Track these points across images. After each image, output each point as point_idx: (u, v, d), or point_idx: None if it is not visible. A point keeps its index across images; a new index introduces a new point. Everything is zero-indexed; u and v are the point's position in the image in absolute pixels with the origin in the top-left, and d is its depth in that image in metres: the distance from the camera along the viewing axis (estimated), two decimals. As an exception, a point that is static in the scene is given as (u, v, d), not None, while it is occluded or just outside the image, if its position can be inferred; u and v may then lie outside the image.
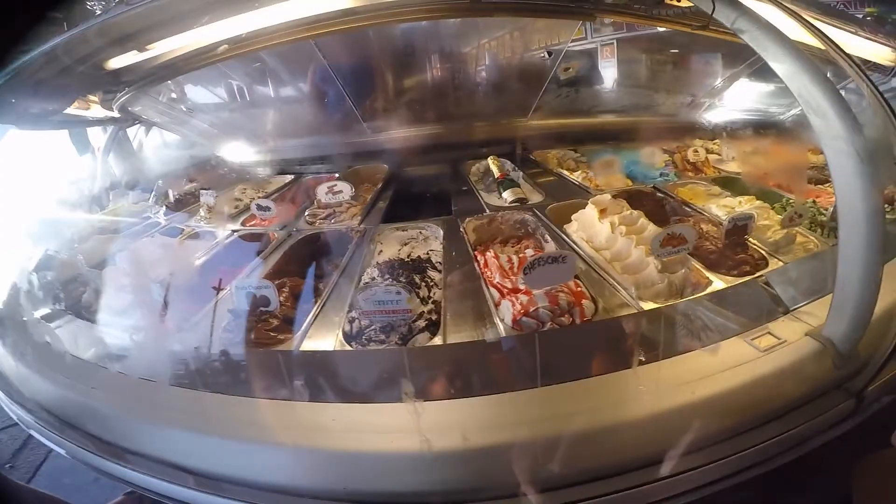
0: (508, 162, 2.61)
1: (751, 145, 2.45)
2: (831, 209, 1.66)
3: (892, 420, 1.13)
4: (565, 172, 2.57)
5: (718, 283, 1.46)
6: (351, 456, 1.05)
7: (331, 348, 1.34)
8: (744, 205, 1.91)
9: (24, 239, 2.02)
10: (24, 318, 1.69)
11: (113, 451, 1.23)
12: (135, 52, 1.79)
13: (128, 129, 2.95)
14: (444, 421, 1.05)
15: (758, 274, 1.49)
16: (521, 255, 1.68)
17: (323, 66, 2.44)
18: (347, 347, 1.33)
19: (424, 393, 1.10)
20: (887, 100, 1.07)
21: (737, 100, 2.90)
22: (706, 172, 2.44)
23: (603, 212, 1.74)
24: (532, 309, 1.32)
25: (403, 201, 2.55)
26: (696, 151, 2.49)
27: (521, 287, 1.40)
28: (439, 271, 1.69)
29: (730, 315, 1.30)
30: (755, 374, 1.11)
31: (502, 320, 1.35)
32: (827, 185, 1.96)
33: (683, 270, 1.45)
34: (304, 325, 1.43)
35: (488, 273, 1.58)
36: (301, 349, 1.35)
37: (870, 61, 2.10)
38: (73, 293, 1.78)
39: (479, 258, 1.69)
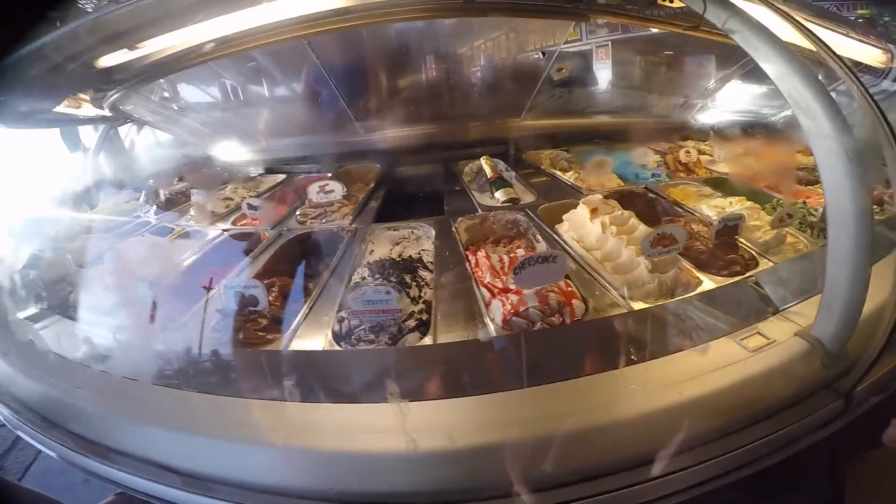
0: (501, 162, 2.62)
1: (740, 146, 2.46)
2: (821, 210, 1.66)
3: (882, 420, 1.14)
4: (558, 173, 2.58)
5: (709, 283, 1.46)
6: (339, 456, 1.04)
7: (320, 348, 1.33)
8: (734, 205, 1.91)
9: (12, 238, 2.00)
10: (13, 318, 1.68)
11: (101, 452, 1.21)
12: (125, 50, 1.78)
13: (119, 128, 2.94)
14: (433, 421, 1.05)
15: (748, 274, 1.49)
16: (511, 255, 1.68)
17: (315, 66, 2.43)
18: (337, 347, 1.33)
19: (412, 393, 1.09)
20: (877, 101, 1.07)
21: (729, 101, 2.92)
22: (698, 173, 2.45)
23: (594, 212, 1.74)
24: (522, 309, 1.31)
25: (395, 201, 2.55)
26: (688, 152, 2.49)
27: (512, 287, 1.40)
28: (430, 271, 1.68)
29: (719, 315, 1.30)
30: (744, 374, 1.11)
31: (493, 320, 1.35)
32: (817, 185, 1.96)
33: (674, 270, 1.45)
34: (294, 324, 1.42)
35: (479, 273, 1.58)
36: (290, 349, 1.34)
37: (861, 63, 2.11)
38: (61, 293, 1.77)
39: (470, 258, 1.69)
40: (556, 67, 2.69)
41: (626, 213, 1.73)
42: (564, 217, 1.86)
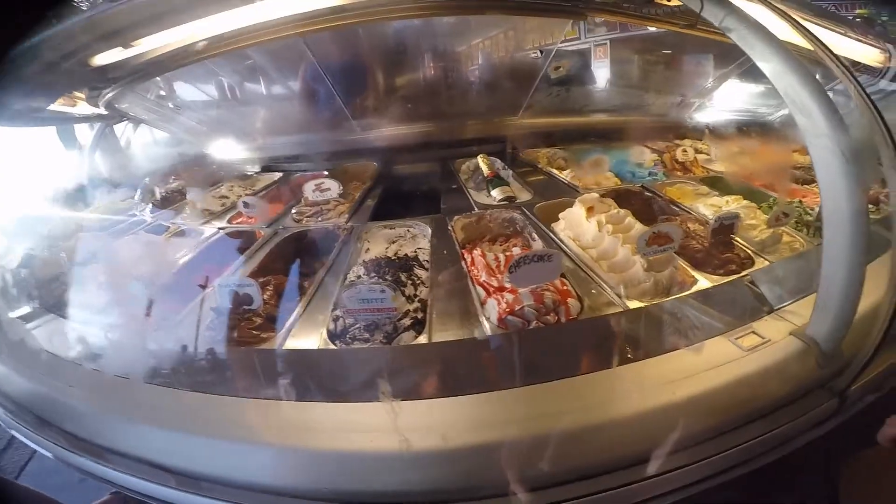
0: (498, 160, 2.61)
1: (736, 145, 2.47)
2: (817, 209, 1.67)
3: (877, 418, 1.14)
4: (555, 171, 2.57)
5: (704, 281, 1.46)
6: (333, 455, 1.03)
7: (315, 347, 1.32)
8: (731, 204, 1.91)
9: (5, 237, 1.99)
10: (5, 317, 1.67)
11: (95, 451, 1.21)
12: (120, 48, 1.77)
13: (115, 126, 2.92)
14: (427, 420, 1.04)
15: (743, 273, 1.49)
16: (507, 254, 1.67)
17: (312, 64, 2.43)
18: (331, 346, 1.32)
19: (406, 392, 1.09)
20: (874, 101, 1.07)
21: (726, 100, 2.91)
22: (695, 172, 2.45)
23: (590, 210, 1.74)
24: (517, 307, 1.31)
25: (392, 199, 2.54)
26: (685, 151, 2.49)
27: (507, 285, 1.40)
28: (426, 269, 1.68)
29: (715, 314, 1.30)
30: (739, 373, 1.11)
31: (488, 319, 1.35)
32: (814, 185, 1.96)
33: (669, 269, 1.45)
34: (289, 323, 1.42)
35: (475, 271, 1.58)
36: (284, 348, 1.34)
37: (860, 63, 2.11)
38: (55, 291, 1.76)
39: (466, 256, 1.69)
40: (554, 66, 2.69)
41: (623, 211, 1.72)
42: (560, 216, 1.86)
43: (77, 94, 2.28)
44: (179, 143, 3.05)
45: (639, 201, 2.15)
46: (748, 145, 2.41)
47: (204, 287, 1.58)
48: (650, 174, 2.40)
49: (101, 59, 1.81)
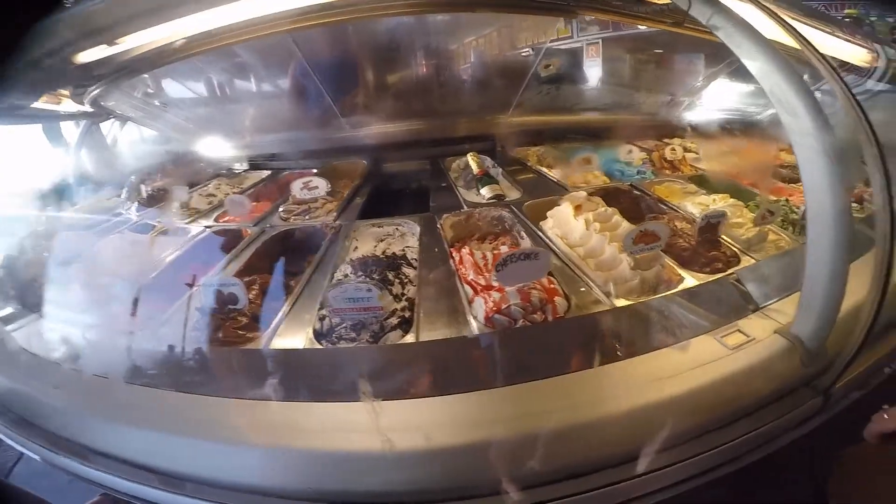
0: (489, 159, 2.62)
1: (724, 144, 2.47)
2: (803, 208, 1.67)
3: (863, 415, 1.14)
4: (544, 169, 2.57)
5: (691, 280, 1.46)
6: (319, 455, 1.02)
7: (300, 347, 1.31)
8: (718, 202, 1.92)
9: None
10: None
11: (81, 452, 1.20)
12: (104, 45, 1.75)
13: (102, 124, 2.89)
14: (412, 420, 1.04)
15: (729, 271, 1.49)
16: (495, 252, 1.67)
17: (300, 62, 2.42)
18: (317, 346, 1.31)
19: (391, 391, 1.08)
20: (859, 101, 1.07)
21: (715, 99, 2.92)
22: (683, 171, 2.45)
23: (578, 208, 1.74)
24: (504, 306, 1.31)
25: (381, 197, 2.54)
26: (674, 150, 2.50)
27: (495, 284, 1.39)
28: (414, 268, 1.67)
29: (701, 312, 1.30)
30: (724, 372, 1.11)
31: (475, 317, 1.34)
32: (800, 184, 1.97)
33: (656, 267, 1.45)
34: (275, 322, 1.41)
35: (463, 270, 1.57)
36: (270, 348, 1.32)
37: (848, 63, 2.12)
38: (39, 291, 1.74)
39: (454, 255, 1.68)
40: (544, 64, 2.69)
41: (610, 210, 1.73)
42: (549, 214, 1.86)
43: (62, 91, 2.26)
44: (167, 141, 3.02)
45: (627, 200, 2.15)
46: (732, 144, 2.42)
47: (191, 286, 1.56)
48: (639, 173, 2.41)
49: (85, 56, 1.79)
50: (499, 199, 2.17)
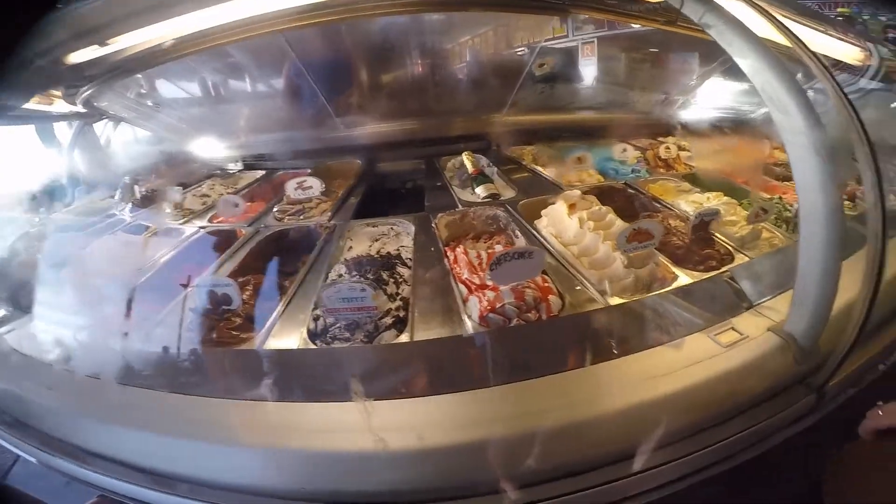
0: (484, 158, 2.61)
1: (717, 143, 2.47)
2: (797, 206, 1.68)
3: (859, 412, 1.14)
4: (539, 168, 2.57)
5: (685, 278, 1.46)
6: (313, 456, 1.03)
7: (295, 347, 1.31)
8: (712, 201, 1.92)
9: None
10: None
11: (75, 454, 1.20)
12: (96, 45, 1.74)
13: (95, 125, 2.88)
14: (407, 419, 1.04)
15: (723, 269, 1.49)
16: (489, 251, 1.67)
17: (293, 61, 2.40)
18: (311, 346, 1.31)
19: (385, 391, 1.08)
20: (849, 97, 1.07)
21: (709, 98, 2.92)
22: (677, 169, 2.45)
23: (572, 207, 1.74)
24: (498, 305, 1.31)
25: (376, 197, 2.53)
26: (668, 148, 2.50)
27: (489, 283, 1.39)
28: (409, 268, 1.67)
29: (694, 310, 1.31)
30: (718, 370, 1.12)
31: (470, 317, 1.34)
32: (793, 182, 1.98)
33: (650, 265, 1.45)
34: (269, 323, 1.40)
35: (457, 269, 1.57)
36: (264, 348, 1.32)
37: (841, 61, 2.12)
38: (32, 293, 1.73)
39: (449, 254, 1.68)
40: (538, 63, 2.69)
41: (604, 208, 1.73)
42: (543, 213, 1.86)
43: (54, 91, 2.24)
44: (160, 142, 3.00)
45: (622, 198, 2.15)
46: (726, 142, 2.42)
47: (186, 286, 1.56)
48: (633, 171, 2.41)
49: (77, 56, 1.78)
50: (494, 198, 2.17)
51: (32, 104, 2.20)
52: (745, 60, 1.09)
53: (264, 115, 2.85)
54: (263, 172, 2.94)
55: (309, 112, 2.70)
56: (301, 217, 2.19)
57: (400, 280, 1.59)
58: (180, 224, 2.20)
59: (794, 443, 1.18)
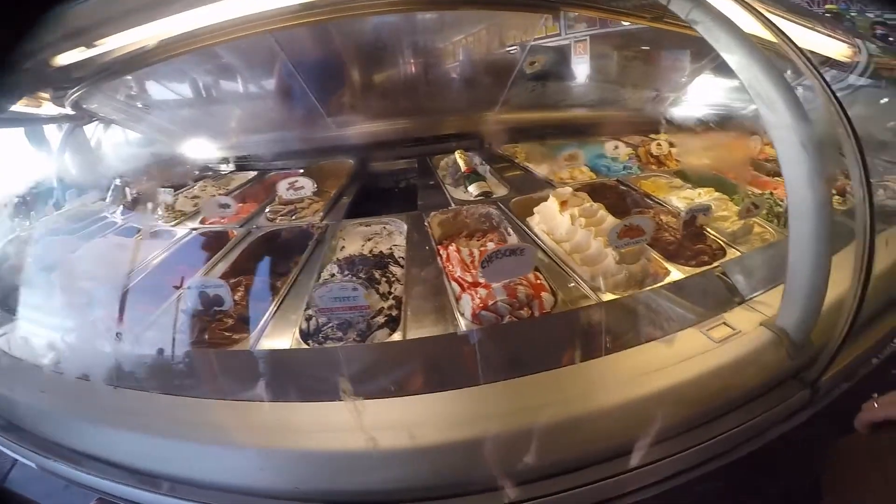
0: (476, 156, 2.61)
1: (705, 138, 2.48)
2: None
3: (854, 405, 1.15)
4: (531, 166, 2.57)
5: (677, 273, 1.47)
6: (305, 455, 1.03)
7: (287, 347, 1.31)
8: (703, 196, 1.93)
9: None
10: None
11: (71, 457, 1.20)
12: (83, 47, 1.72)
13: (85, 127, 2.86)
14: (400, 418, 1.04)
15: (715, 264, 1.50)
16: (481, 249, 1.67)
17: (283, 61, 2.39)
18: (304, 346, 1.31)
19: (377, 390, 1.08)
20: (837, 94, 1.08)
21: (700, 95, 2.93)
22: (669, 165, 2.46)
23: (564, 204, 1.74)
24: (491, 303, 1.30)
25: (368, 197, 2.53)
26: (660, 145, 2.50)
27: (481, 281, 1.39)
28: (402, 266, 1.66)
29: (687, 305, 1.31)
30: (710, 365, 1.12)
31: (462, 315, 1.34)
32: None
33: (642, 261, 1.45)
34: (261, 323, 1.40)
35: (450, 267, 1.57)
36: (256, 349, 1.32)
37: (830, 58, 2.13)
38: (22, 297, 1.72)
39: (441, 252, 1.68)
40: (529, 61, 2.69)
41: (596, 205, 1.73)
42: (535, 210, 1.86)
43: (41, 94, 2.23)
44: (151, 144, 2.99)
45: (614, 195, 2.15)
46: (716, 138, 2.42)
47: (178, 288, 1.55)
48: (625, 168, 2.42)
49: (64, 58, 1.77)
50: (486, 196, 2.16)
51: (20, 107, 2.18)
52: (732, 56, 1.09)
53: (255, 116, 2.84)
54: (255, 173, 2.92)
55: (300, 112, 2.69)
56: (293, 217, 2.18)
57: (392, 279, 1.58)
58: (172, 226, 2.19)
59: (792, 437, 1.18)
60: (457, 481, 1.00)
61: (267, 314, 1.44)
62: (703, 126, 2.55)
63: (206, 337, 1.38)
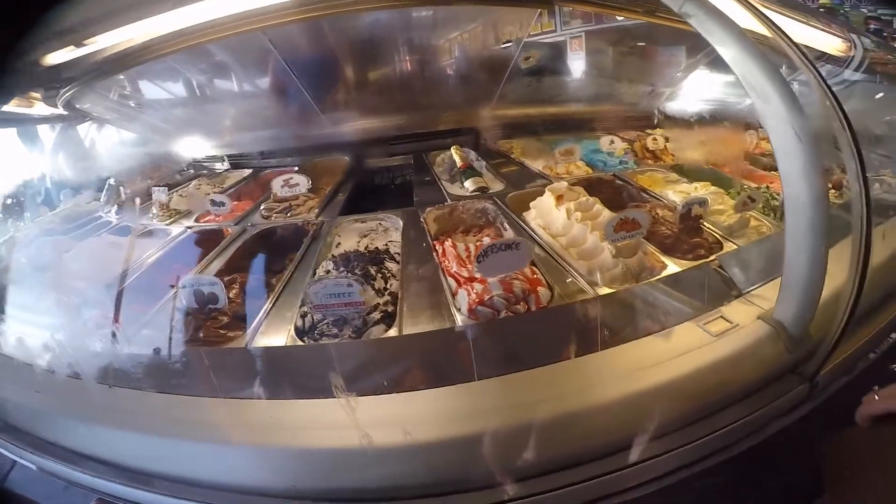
0: (472, 152, 2.61)
1: (700, 133, 2.48)
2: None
3: (855, 398, 1.14)
4: (527, 161, 2.57)
5: (674, 267, 1.46)
6: (300, 453, 1.02)
7: (282, 344, 1.30)
8: (699, 190, 1.93)
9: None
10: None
11: (67, 457, 1.19)
12: (73, 46, 1.71)
13: (78, 127, 2.85)
14: (396, 414, 1.04)
15: (712, 257, 1.49)
16: (477, 244, 1.66)
17: (276, 59, 2.38)
18: (299, 343, 1.30)
19: (372, 387, 1.07)
20: (832, 88, 1.07)
21: (695, 89, 2.92)
22: (665, 160, 2.46)
23: (560, 199, 1.74)
24: (487, 298, 1.30)
25: (364, 193, 2.53)
26: (656, 140, 2.50)
27: (478, 276, 1.39)
28: (397, 262, 1.66)
29: (684, 299, 1.30)
30: (708, 359, 1.11)
31: (459, 310, 1.33)
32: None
33: (638, 255, 1.45)
34: (257, 321, 1.39)
35: (446, 262, 1.56)
36: (252, 346, 1.31)
37: (825, 53, 2.13)
38: (16, 297, 1.71)
39: (437, 248, 1.67)
40: (524, 56, 2.68)
41: (591, 199, 1.73)
42: (531, 205, 1.86)
43: (33, 94, 2.21)
44: (145, 143, 2.97)
45: (610, 190, 2.15)
46: (710, 132, 2.42)
47: (174, 286, 1.55)
48: (621, 163, 2.42)
49: (55, 57, 1.75)
50: (482, 191, 2.16)
51: (12, 107, 2.17)
52: (727, 50, 1.09)
53: (249, 114, 2.83)
54: (250, 171, 2.91)
55: (294, 109, 2.68)
56: (288, 214, 2.18)
57: (388, 275, 1.58)
58: (167, 224, 2.18)
59: (792, 432, 1.18)
60: (453, 478, 0.99)
61: (262, 311, 1.43)
62: (699, 120, 2.55)
63: (202, 335, 1.38)
